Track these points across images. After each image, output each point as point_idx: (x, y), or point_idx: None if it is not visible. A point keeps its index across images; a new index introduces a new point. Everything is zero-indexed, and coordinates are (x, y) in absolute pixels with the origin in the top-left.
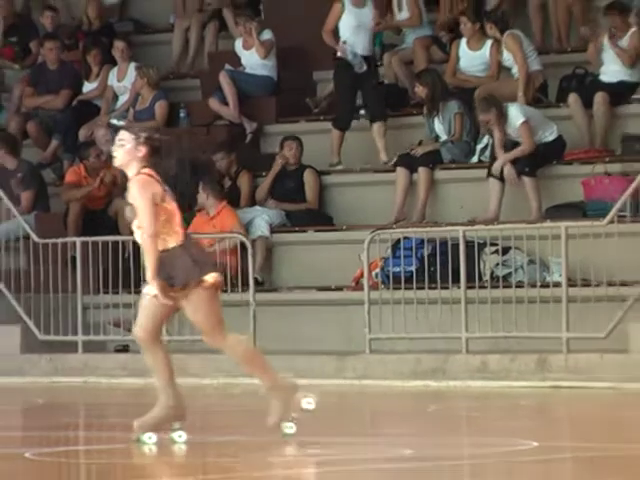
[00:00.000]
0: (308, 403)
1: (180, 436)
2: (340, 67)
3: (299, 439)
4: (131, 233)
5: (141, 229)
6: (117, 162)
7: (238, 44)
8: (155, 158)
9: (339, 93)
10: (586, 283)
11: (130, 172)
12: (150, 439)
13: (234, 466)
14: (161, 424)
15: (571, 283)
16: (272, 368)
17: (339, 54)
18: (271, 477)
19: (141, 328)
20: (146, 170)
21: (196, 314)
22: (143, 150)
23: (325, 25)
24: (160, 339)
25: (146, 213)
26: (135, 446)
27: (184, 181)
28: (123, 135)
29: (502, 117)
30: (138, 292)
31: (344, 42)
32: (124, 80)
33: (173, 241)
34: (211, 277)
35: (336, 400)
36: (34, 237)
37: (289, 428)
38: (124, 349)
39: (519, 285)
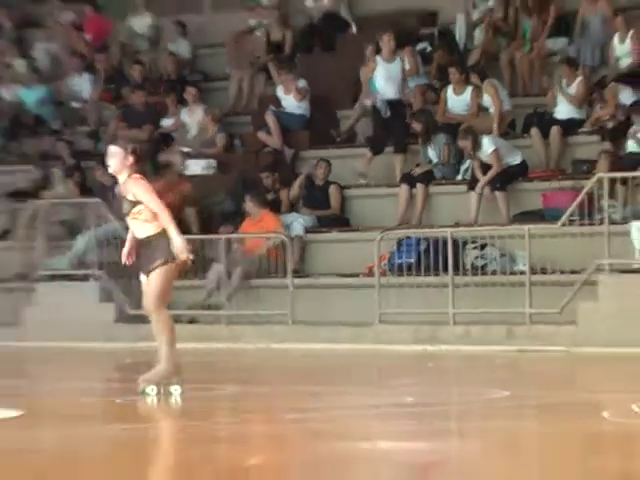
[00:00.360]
0: (174, 390)
1: (176, 389)
2: (374, 111)
3: (317, 389)
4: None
5: (136, 220)
6: (111, 170)
7: (279, 90)
8: (140, 165)
9: (374, 129)
10: (544, 271)
11: (122, 177)
12: (152, 391)
13: (256, 410)
14: (162, 380)
15: (533, 271)
16: (175, 348)
17: (370, 102)
18: (294, 420)
19: (151, 303)
20: (137, 175)
21: (154, 280)
22: (131, 159)
23: (362, 77)
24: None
25: (156, 200)
26: (144, 396)
27: (238, 194)
28: (114, 149)
29: (477, 145)
30: (201, 277)
31: (376, 93)
32: (193, 117)
33: (157, 228)
34: (183, 256)
35: (353, 360)
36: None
37: (151, 390)
38: (192, 321)
39: (493, 273)
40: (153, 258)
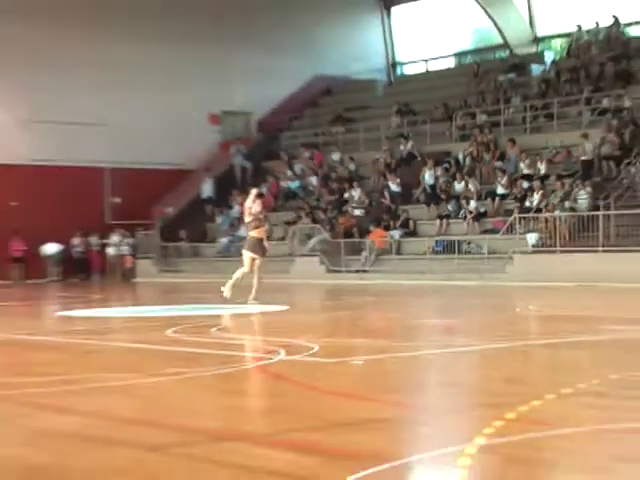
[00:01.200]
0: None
1: (224, 291)
2: (425, 190)
3: (407, 299)
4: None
5: (251, 226)
6: (249, 200)
7: (389, 181)
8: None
9: (425, 197)
10: (493, 253)
11: (251, 203)
12: (224, 292)
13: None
14: (233, 286)
15: (488, 253)
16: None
17: (423, 186)
18: (395, 311)
19: (245, 264)
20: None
21: (246, 256)
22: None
23: (420, 177)
24: (250, 269)
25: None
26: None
27: (372, 222)
28: (254, 191)
29: (468, 203)
30: (356, 253)
31: (425, 182)
32: (355, 192)
33: (256, 234)
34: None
35: (418, 288)
36: (329, 238)
37: (224, 289)
38: (358, 271)
39: (473, 254)
40: (248, 246)
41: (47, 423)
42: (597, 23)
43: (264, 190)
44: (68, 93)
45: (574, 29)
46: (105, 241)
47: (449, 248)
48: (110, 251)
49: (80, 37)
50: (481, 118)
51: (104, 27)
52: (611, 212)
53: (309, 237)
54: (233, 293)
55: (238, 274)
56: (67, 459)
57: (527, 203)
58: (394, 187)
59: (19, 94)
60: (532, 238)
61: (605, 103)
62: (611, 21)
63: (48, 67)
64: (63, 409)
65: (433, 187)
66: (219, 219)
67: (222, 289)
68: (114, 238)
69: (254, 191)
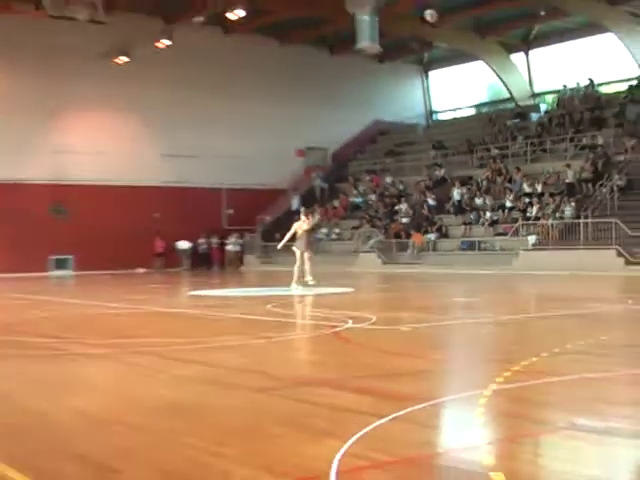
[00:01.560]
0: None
1: (309, 281)
2: (453, 203)
3: (437, 283)
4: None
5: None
6: (301, 214)
7: (427, 197)
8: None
9: (454, 211)
10: (503, 250)
11: (304, 219)
12: (309, 281)
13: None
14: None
15: (500, 250)
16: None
17: (452, 202)
18: (430, 288)
19: (306, 258)
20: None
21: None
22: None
23: (450, 194)
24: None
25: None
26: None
27: (414, 228)
28: (303, 209)
29: (484, 213)
30: (403, 250)
31: (454, 199)
32: (403, 206)
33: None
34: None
35: (450, 276)
36: (383, 239)
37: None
38: (405, 263)
39: (489, 250)
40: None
41: (182, 371)
42: (578, 83)
43: (336, 204)
44: (197, 134)
45: (561, 87)
46: (224, 240)
47: (471, 246)
48: (229, 248)
49: (209, 97)
50: (494, 151)
51: (227, 90)
52: (589, 220)
53: (369, 238)
54: (314, 279)
55: (307, 267)
56: (198, 398)
57: (528, 213)
58: (431, 202)
59: (162, 135)
60: (532, 239)
61: (584, 141)
62: (587, 82)
63: (185, 117)
64: (192, 361)
65: (459, 202)
66: None
67: (306, 280)
68: (232, 239)
69: (305, 210)
